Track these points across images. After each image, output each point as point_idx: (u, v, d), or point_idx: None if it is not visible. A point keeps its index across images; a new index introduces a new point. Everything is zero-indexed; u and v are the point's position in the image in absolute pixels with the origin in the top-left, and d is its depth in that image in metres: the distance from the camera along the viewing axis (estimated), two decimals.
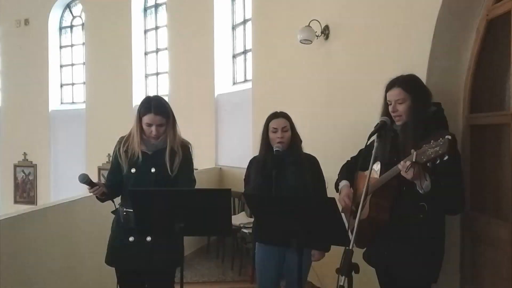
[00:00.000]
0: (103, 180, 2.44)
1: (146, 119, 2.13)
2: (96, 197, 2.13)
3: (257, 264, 2.45)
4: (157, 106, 2.14)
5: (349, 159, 2.32)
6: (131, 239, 2.13)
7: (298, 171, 2.31)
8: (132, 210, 2.01)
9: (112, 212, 2.25)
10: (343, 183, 2.19)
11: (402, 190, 1.87)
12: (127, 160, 2.17)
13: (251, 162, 2.49)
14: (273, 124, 2.36)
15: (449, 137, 1.55)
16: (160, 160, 2.16)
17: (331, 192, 2.30)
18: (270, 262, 2.36)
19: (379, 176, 1.90)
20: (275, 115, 2.40)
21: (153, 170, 2.16)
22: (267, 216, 1.93)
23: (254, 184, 2.35)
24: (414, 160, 1.64)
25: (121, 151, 2.18)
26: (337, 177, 2.29)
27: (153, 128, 2.13)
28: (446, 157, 1.53)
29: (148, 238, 2.13)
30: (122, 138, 2.26)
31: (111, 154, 2.30)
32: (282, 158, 2.29)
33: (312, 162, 2.41)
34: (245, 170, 2.52)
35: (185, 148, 2.25)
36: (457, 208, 1.88)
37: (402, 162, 1.71)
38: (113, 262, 2.21)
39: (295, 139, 2.39)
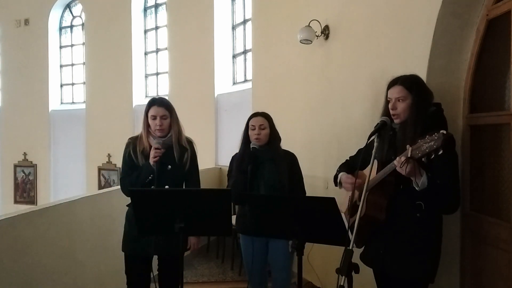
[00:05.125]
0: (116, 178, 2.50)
1: (151, 111, 2.32)
2: (145, 181, 2.25)
3: (243, 255, 2.56)
4: (160, 100, 2.37)
5: (348, 158, 2.32)
6: None
7: (275, 167, 2.45)
8: None
9: (128, 205, 2.37)
10: (341, 173, 2.19)
11: (399, 189, 1.86)
12: (143, 158, 2.31)
13: (232, 158, 2.63)
14: (251, 122, 2.54)
15: (444, 131, 1.54)
16: (174, 157, 2.32)
17: (331, 192, 2.30)
18: (253, 251, 2.45)
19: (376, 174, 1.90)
20: (254, 114, 2.58)
21: (169, 167, 2.31)
22: (265, 215, 1.94)
23: (233, 179, 2.48)
24: (409, 155, 1.64)
25: (138, 151, 2.32)
26: (336, 172, 2.27)
27: (157, 121, 2.29)
28: (440, 151, 1.52)
29: None
30: (132, 138, 2.40)
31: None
32: (257, 155, 2.45)
33: (290, 158, 2.53)
34: None
35: (191, 144, 2.44)
36: (451, 208, 1.84)
37: (397, 158, 1.71)
38: (132, 249, 2.32)
39: (273, 137, 2.52)
